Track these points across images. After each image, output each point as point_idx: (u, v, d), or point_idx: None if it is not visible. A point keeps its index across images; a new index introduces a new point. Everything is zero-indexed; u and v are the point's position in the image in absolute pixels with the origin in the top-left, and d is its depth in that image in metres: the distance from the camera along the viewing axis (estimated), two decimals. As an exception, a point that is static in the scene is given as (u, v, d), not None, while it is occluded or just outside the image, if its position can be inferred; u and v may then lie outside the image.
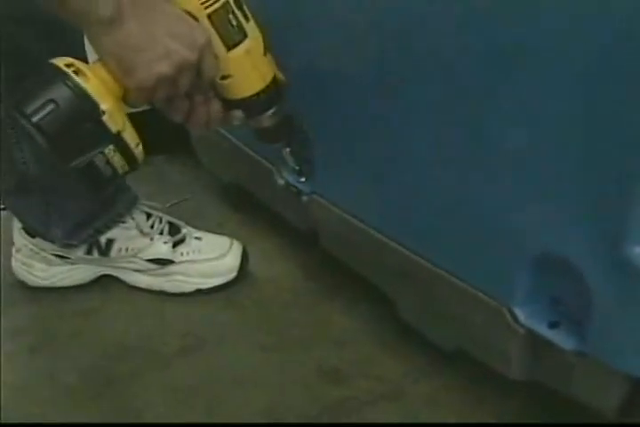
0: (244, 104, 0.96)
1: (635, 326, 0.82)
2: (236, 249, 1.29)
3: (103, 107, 0.86)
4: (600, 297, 0.82)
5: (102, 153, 0.88)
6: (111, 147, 0.88)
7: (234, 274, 1.28)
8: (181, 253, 1.27)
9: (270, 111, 0.99)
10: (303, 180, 1.19)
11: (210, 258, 1.28)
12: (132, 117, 1.68)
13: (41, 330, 1.21)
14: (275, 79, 0.97)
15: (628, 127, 0.73)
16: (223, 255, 1.28)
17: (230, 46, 0.90)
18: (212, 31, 0.89)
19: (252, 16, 0.92)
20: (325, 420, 1.03)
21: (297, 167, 1.15)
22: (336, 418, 1.03)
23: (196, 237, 1.30)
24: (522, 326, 0.90)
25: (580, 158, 0.78)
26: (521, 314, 0.90)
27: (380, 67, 0.96)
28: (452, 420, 1.03)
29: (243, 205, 1.49)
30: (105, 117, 0.86)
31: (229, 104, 0.96)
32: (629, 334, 0.83)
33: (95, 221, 1.24)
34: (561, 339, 0.88)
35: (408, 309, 1.11)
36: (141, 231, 1.26)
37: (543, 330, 0.89)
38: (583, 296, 0.83)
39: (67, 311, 1.25)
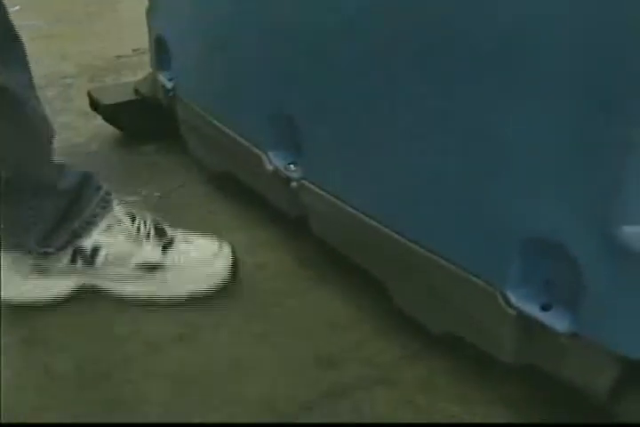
0: None
1: (626, 307, 0.82)
2: (226, 252, 1.24)
3: None
4: (592, 278, 0.82)
5: None
6: None
7: (226, 278, 1.23)
8: (170, 258, 1.21)
9: None
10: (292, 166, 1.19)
11: (200, 262, 1.22)
12: (122, 107, 1.72)
13: (35, 322, 1.20)
14: None
15: (614, 110, 0.73)
16: (213, 259, 1.23)
17: None
18: None
19: None
20: (321, 405, 1.03)
21: None
22: (331, 402, 1.03)
23: (185, 240, 1.24)
24: (514, 308, 0.90)
25: (570, 142, 0.78)
26: (513, 297, 0.90)
27: (367, 52, 0.96)
28: (446, 404, 1.03)
29: (234, 194, 1.49)
30: None
31: None
32: (621, 315, 0.83)
33: (70, 222, 1.17)
34: (553, 321, 0.88)
35: (401, 294, 1.11)
36: (129, 235, 1.20)
37: (535, 312, 0.89)
38: (575, 278, 0.84)
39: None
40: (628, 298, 0.81)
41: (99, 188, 1.20)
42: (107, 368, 1.10)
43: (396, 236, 1.04)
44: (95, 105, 1.75)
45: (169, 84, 1.58)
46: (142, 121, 1.75)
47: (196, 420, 1.01)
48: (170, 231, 1.24)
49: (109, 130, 1.80)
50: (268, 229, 1.39)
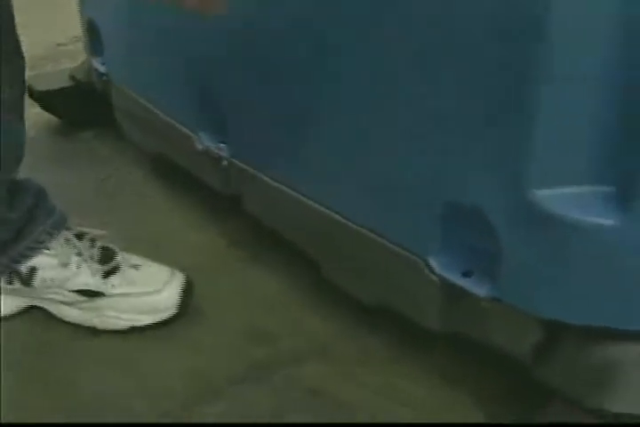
0: None
1: (543, 270, 0.83)
2: (177, 281, 1.13)
3: None
4: (508, 242, 0.83)
5: None
6: None
7: (173, 311, 1.12)
8: (112, 285, 1.12)
9: None
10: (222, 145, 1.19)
11: (145, 292, 1.12)
12: (57, 93, 1.71)
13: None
14: None
15: (521, 71, 0.74)
16: (161, 289, 1.12)
17: None
18: None
19: None
20: (253, 378, 1.04)
21: None
22: (264, 376, 1.04)
23: (133, 266, 1.14)
24: (437, 275, 0.91)
25: (481, 106, 0.79)
26: (435, 264, 0.91)
27: (280, 33, 0.97)
28: (382, 376, 1.04)
29: (169, 176, 1.49)
30: None
31: None
32: (538, 278, 0.84)
33: (9, 248, 1.09)
34: (474, 286, 0.88)
35: (331, 268, 1.12)
36: (67, 259, 1.11)
37: (457, 279, 0.89)
38: (493, 243, 0.84)
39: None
40: (543, 261, 0.82)
41: (50, 212, 1.13)
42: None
43: (321, 209, 1.04)
44: (30, 92, 1.74)
45: (102, 69, 1.57)
46: (79, 107, 1.74)
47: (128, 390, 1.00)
48: (119, 256, 1.15)
49: (47, 117, 1.79)
50: (202, 210, 1.39)
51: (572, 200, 0.77)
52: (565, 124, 0.75)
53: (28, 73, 1.06)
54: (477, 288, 0.89)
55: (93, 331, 1.12)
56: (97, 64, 1.59)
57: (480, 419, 0.97)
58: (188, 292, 1.14)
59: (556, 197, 0.78)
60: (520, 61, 0.74)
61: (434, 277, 0.92)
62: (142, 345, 1.10)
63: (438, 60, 0.81)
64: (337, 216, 1.03)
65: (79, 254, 1.13)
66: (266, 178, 1.12)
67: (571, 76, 0.73)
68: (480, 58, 0.77)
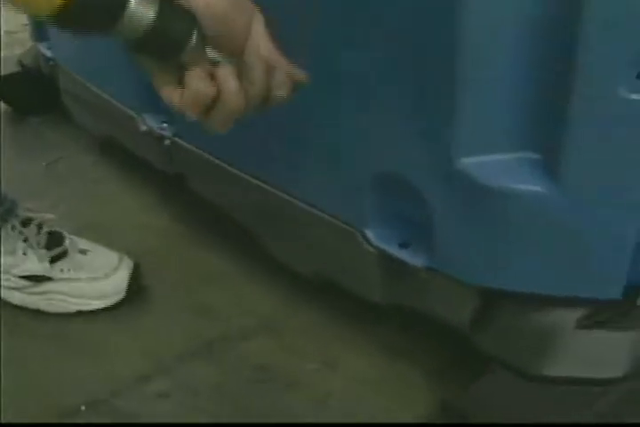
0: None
1: (474, 238, 0.84)
2: (125, 267, 1.13)
3: None
4: (439, 212, 0.84)
5: None
6: None
7: (120, 296, 1.12)
8: (61, 270, 1.11)
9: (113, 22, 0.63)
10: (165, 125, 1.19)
11: (93, 277, 1.12)
12: (4, 79, 1.69)
13: None
14: None
15: (445, 46, 0.74)
16: (108, 274, 1.12)
17: None
18: None
19: None
20: (201, 356, 1.04)
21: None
22: (212, 353, 1.05)
23: (81, 251, 1.14)
24: (374, 247, 0.92)
25: (407, 78, 0.79)
26: (372, 236, 0.92)
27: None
28: (329, 349, 1.05)
29: (118, 160, 1.48)
30: None
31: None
32: (471, 247, 0.85)
33: None
34: (411, 257, 0.90)
35: (273, 243, 1.12)
36: (10, 247, 1.11)
37: (394, 250, 0.91)
38: (426, 213, 0.86)
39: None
40: (474, 230, 0.84)
41: (1, 202, 1.12)
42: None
43: (259, 183, 1.05)
44: (-24, 80, 1.72)
45: (49, 54, 1.56)
46: (27, 93, 1.73)
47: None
48: (67, 240, 1.15)
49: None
50: (150, 193, 1.39)
51: (498, 168, 0.78)
52: (489, 93, 0.75)
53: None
54: (414, 259, 0.90)
55: (39, 313, 1.12)
56: (43, 49, 1.58)
57: (420, 390, 0.98)
58: (135, 277, 1.14)
59: (482, 166, 0.78)
60: (443, 35, 0.74)
61: (372, 249, 0.93)
62: (89, 326, 1.10)
63: (366, 36, 0.81)
64: (276, 191, 1.03)
65: (25, 241, 1.12)
66: (207, 156, 1.13)
67: (492, 49, 0.73)
68: (405, 35, 0.77)
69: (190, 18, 0.65)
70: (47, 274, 1.12)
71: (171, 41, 0.65)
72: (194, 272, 1.20)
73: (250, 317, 1.11)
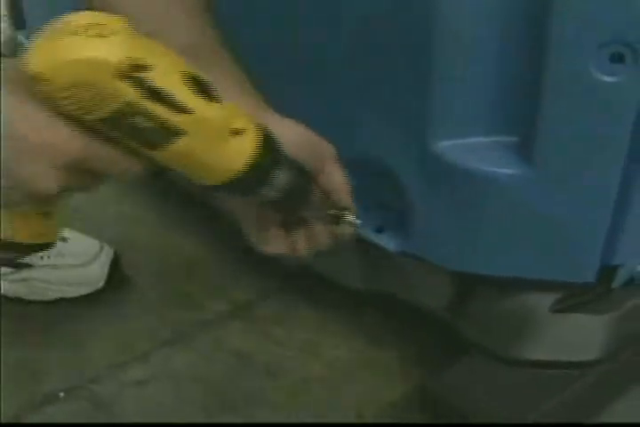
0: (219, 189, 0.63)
1: (450, 222, 0.84)
2: (105, 255, 1.13)
3: None
4: (415, 196, 0.84)
5: None
6: None
7: (101, 283, 1.12)
8: (41, 257, 1.10)
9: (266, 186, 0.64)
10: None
11: (74, 264, 1.12)
12: None
13: None
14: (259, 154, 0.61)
15: (420, 28, 0.74)
16: (89, 262, 1.12)
17: (152, 147, 0.56)
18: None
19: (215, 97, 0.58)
20: (178, 342, 1.04)
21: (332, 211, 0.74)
22: (188, 340, 1.05)
23: (62, 238, 1.12)
24: None
25: (382, 58, 0.79)
26: None
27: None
28: (305, 335, 1.05)
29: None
30: None
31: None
32: (447, 231, 0.85)
33: None
34: (387, 242, 0.89)
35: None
36: None
37: (370, 234, 0.90)
38: (401, 198, 0.86)
39: None
40: (450, 214, 0.83)
41: None
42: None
43: None
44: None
45: (27, 42, 1.55)
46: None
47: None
48: None
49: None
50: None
51: (474, 151, 0.78)
52: (462, 75, 0.75)
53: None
54: (390, 244, 0.90)
55: (19, 301, 1.11)
56: (21, 37, 1.57)
57: (399, 376, 0.99)
58: (115, 265, 1.14)
59: (458, 149, 0.78)
60: (418, 15, 0.74)
61: None
62: (69, 314, 1.10)
63: (337, 16, 0.81)
64: None
65: None
66: None
67: (464, 30, 0.73)
68: (378, 13, 0.77)
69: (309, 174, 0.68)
70: (28, 261, 1.10)
71: (302, 198, 0.68)
72: (170, 260, 1.20)
73: (226, 303, 1.11)
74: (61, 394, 0.97)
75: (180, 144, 0.55)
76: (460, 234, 0.84)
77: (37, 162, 0.53)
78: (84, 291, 1.12)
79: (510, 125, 0.77)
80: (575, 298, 0.87)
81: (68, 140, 0.54)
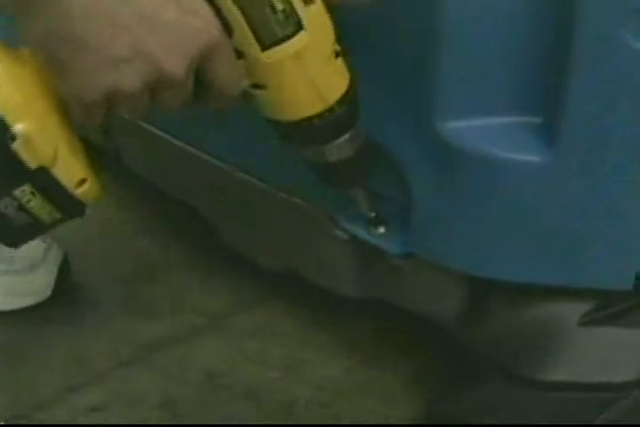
0: (289, 129, 0.67)
1: (459, 218, 0.79)
2: (52, 259, 1.05)
3: (17, 128, 0.57)
4: (418, 187, 0.79)
5: (12, 196, 0.62)
6: (26, 188, 0.62)
7: (47, 293, 1.03)
8: None
9: (337, 141, 0.70)
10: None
11: (13, 270, 1.03)
12: None
13: None
14: (347, 94, 0.66)
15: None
16: (32, 268, 1.03)
17: (268, 44, 0.59)
18: (239, 17, 0.59)
19: None
20: (141, 360, 0.99)
21: (372, 214, 0.82)
22: (153, 357, 0.99)
23: None
24: (344, 231, 0.87)
25: (385, 40, 0.74)
26: (341, 218, 0.87)
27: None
28: (284, 350, 1.00)
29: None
30: (17, 145, 0.58)
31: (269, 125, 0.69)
32: (455, 228, 0.80)
33: None
34: (385, 242, 0.85)
35: (227, 230, 1.07)
36: None
37: (368, 235, 0.85)
38: (403, 191, 0.81)
39: None
40: (458, 208, 0.78)
41: None
42: None
43: (216, 162, 0.98)
44: None
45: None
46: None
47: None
48: None
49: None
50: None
51: (489, 134, 0.73)
52: (477, 46, 0.70)
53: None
54: (389, 244, 0.85)
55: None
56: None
57: (399, 398, 0.93)
58: (65, 271, 1.05)
59: (469, 131, 0.73)
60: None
61: (340, 233, 0.88)
62: (10, 329, 1.03)
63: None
64: (233, 170, 0.97)
65: None
66: (148, 127, 1.05)
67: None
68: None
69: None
70: None
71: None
72: (135, 264, 1.15)
73: (199, 315, 1.06)
74: (1, 424, 0.91)
75: (297, 40, 0.59)
76: (471, 232, 0.80)
77: (174, 46, 0.56)
78: (25, 302, 1.03)
79: (531, 102, 0.72)
80: (608, 309, 0.81)
81: (210, 24, 0.57)
